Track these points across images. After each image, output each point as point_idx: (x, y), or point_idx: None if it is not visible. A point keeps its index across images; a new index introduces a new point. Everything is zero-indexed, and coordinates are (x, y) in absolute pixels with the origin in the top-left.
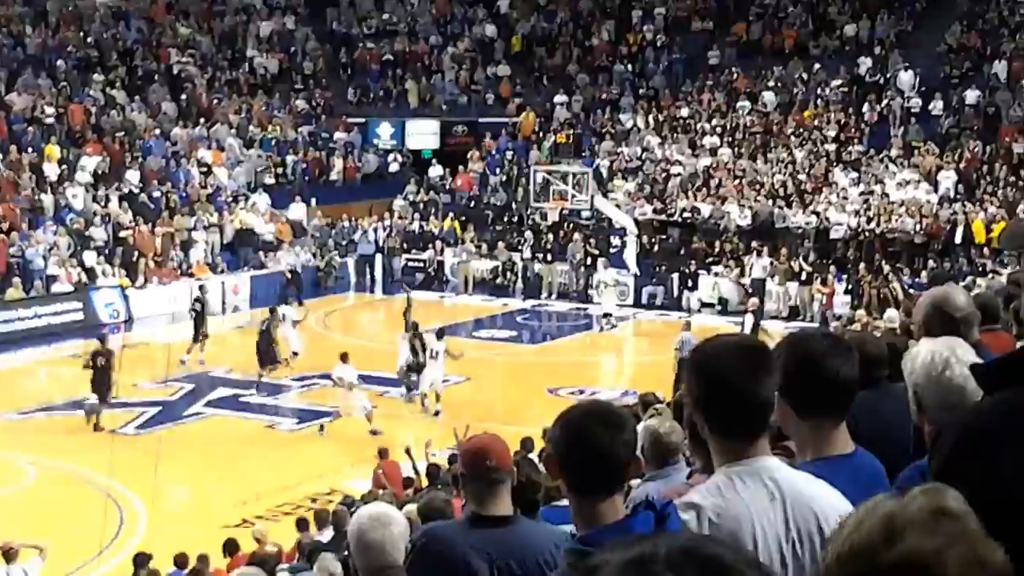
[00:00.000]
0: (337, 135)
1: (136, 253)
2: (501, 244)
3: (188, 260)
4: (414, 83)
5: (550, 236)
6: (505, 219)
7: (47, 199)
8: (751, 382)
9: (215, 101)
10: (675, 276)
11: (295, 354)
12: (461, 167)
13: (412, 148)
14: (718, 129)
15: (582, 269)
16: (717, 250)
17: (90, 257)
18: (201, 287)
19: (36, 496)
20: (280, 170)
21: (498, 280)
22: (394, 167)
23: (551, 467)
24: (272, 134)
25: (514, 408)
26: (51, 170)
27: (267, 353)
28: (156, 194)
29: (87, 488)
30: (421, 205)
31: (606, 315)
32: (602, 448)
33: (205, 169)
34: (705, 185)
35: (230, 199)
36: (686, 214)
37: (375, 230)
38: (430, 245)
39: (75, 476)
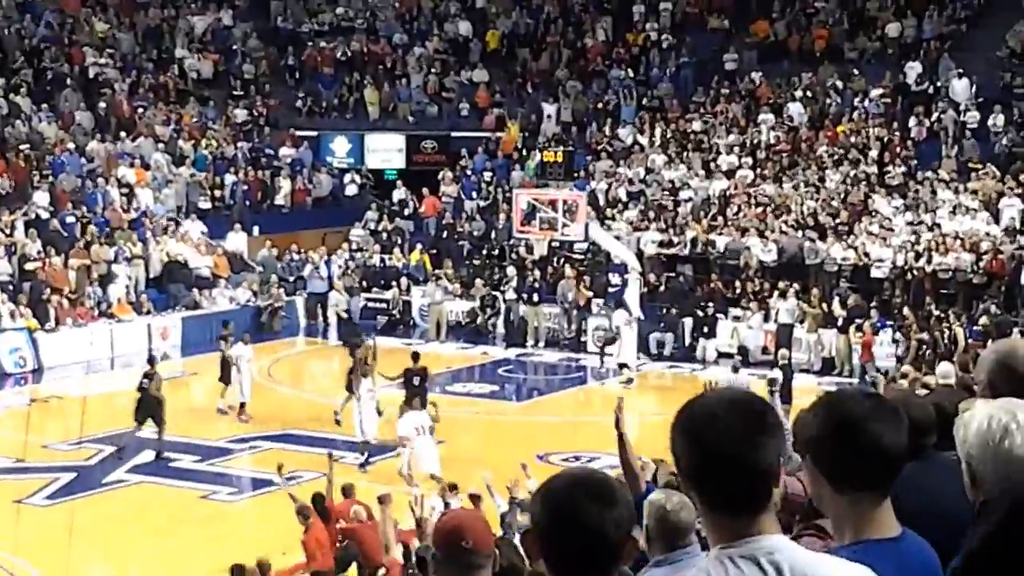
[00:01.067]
0: (283, 151)
1: (46, 290)
2: (479, 282)
3: (107, 298)
4: (374, 90)
5: (537, 273)
6: (484, 252)
7: None
8: (750, 448)
9: (138, 110)
10: (687, 321)
11: (242, 405)
12: (430, 190)
13: (372, 167)
14: (736, 147)
15: (575, 312)
16: (737, 290)
17: None
18: (225, 323)
19: None
20: (216, 192)
21: (476, 324)
22: (351, 189)
23: (531, 548)
24: (207, 149)
25: (496, 478)
26: None
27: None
28: (69, 220)
29: None
30: (384, 235)
31: (622, 366)
32: (590, 526)
33: (127, 190)
34: (721, 213)
35: (157, 226)
36: (699, 248)
37: (328, 264)
38: (394, 282)
39: None
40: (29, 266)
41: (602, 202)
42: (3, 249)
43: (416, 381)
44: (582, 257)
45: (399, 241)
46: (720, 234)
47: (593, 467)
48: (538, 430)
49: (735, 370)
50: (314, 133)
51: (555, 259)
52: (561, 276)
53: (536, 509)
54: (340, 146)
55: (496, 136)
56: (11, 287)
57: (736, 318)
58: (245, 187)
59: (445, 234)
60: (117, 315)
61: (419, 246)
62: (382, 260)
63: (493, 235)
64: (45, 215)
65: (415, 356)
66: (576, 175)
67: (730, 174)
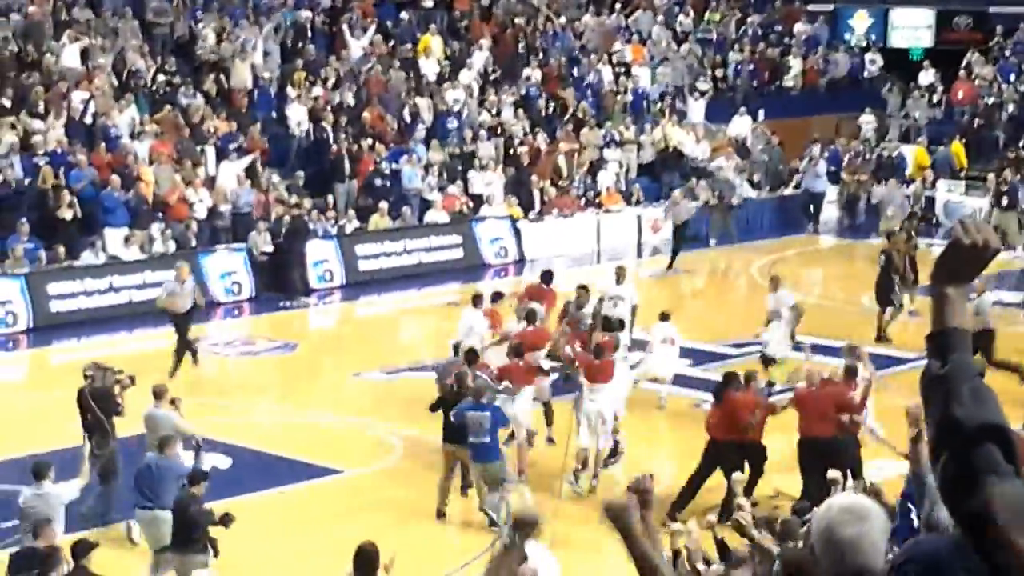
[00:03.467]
0: (797, 27)
1: (531, 175)
2: (1003, 177)
3: (596, 187)
4: None
5: None
6: (1021, 144)
7: (423, 104)
8: None
9: None
10: None
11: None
12: (963, 72)
13: (896, 46)
14: None
15: None
16: None
17: (475, 179)
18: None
19: (402, 475)
20: (719, 72)
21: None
22: (871, 70)
23: None
24: (709, 24)
25: None
26: (429, 68)
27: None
28: (557, 100)
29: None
30: (905, 122)
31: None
32: None
33: (622, 69)
34: None
35: (653, 109)
36: None
37: (832, 156)
38: (916, 176)
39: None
40: (515, 150)
41: None
42: (488, 131)
43: None
44: None
45: (922, 129)
46: None
47: None
48: None
49: None
50: (831, 7)
51: None
52: None
53: None
54: (860, 21)
55: None
56: (496, 171)
57: None
58: (751, 67)
59: (978, 123)
60: (605, 205)
61: (948, 136)
62: (901, 151)
63: None
64: (533, 94)
65: None
66: None
67: None
